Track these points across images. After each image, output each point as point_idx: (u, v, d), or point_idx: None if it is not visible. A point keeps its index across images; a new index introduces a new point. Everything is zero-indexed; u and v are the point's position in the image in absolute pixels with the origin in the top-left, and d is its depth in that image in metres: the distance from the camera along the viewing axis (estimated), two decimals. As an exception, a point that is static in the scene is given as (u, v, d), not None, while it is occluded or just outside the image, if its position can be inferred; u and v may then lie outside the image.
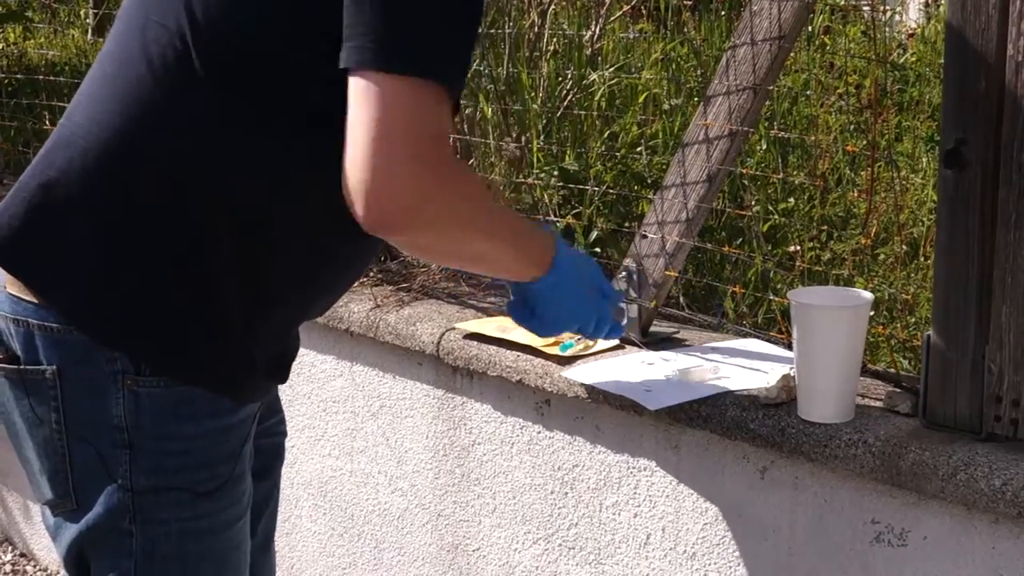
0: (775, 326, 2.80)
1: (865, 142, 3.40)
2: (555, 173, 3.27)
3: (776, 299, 2.75)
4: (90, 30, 5.60)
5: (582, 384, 2.53)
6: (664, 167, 3.24)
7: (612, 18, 3.88)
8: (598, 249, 3.16)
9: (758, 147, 3.52)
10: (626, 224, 3.20)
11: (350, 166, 1.51)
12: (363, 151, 1.49)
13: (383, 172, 1.49)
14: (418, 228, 1.56)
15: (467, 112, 3.51)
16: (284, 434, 2.10)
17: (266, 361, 1.79)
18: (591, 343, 2.68)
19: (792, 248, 3.17)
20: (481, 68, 3.52)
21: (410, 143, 1.50)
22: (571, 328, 1.97)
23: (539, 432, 2.74)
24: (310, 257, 1.76)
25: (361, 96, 1.50)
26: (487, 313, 2.98)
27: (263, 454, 1.97)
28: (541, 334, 1.95)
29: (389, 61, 1.51)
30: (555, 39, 3.61)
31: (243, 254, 1.68)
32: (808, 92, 3.63)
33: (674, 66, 3.75)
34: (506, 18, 3.50)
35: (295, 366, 3.13)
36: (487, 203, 1.71)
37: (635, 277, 2.72)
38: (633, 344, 2.69)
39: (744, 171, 3.09)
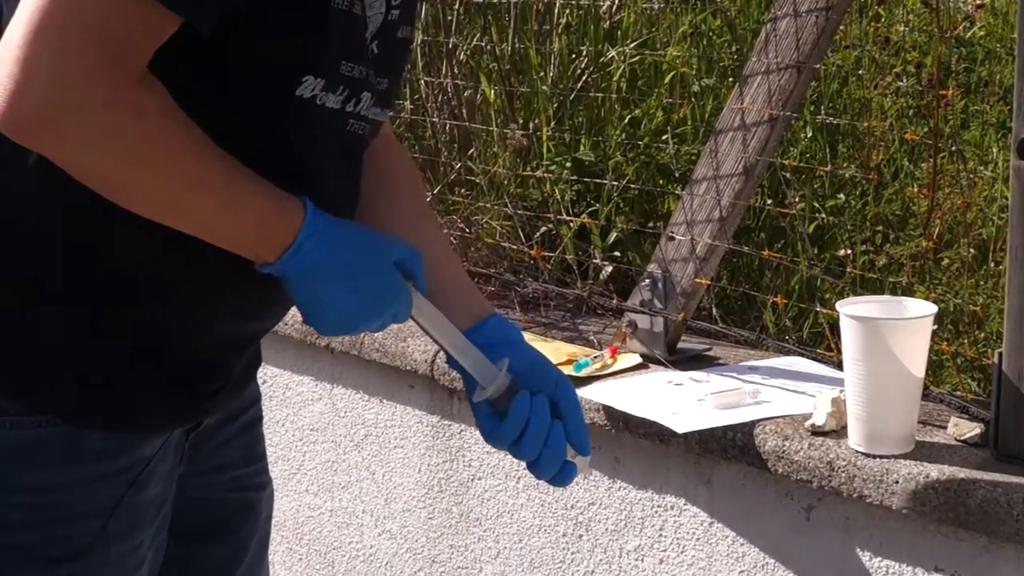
0: (822, 342, 2.79)
1: (926, 129, 3.36)
2: (568, 165, 3.27)
3: (824, 311, 2.75)
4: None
5: (599, 407, 2.53)
6: (694, 158, 3.22)
7: (633, -15, 3.88)
8: (617, 253, 3.16)
9: (802, 135, 3.50)
10: (650, 224, 3.19)
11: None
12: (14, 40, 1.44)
13: (28, 63, 1.42)
14: (59, 133, 1.46)
15: (467, 95, 3.51)
16: (262, 488, 1.93)
17: (173, 375, 1.66)
18: (609, 361, 2.69)
19: (842, 252, 3.15)
20: (483, 44, 3.52)
21: (66, 35, 1.43)
22: (356, 327, 1.67)
23: (550, 465, 2.75)
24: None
25: None
26: None
27: (223, 508, 1.86)
28: (321, 332, 1.70)
29: None
30: (568, 10, 3.59)
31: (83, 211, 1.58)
32: (860, 71, 3.59)
33: (705, 41, 3.72)
34: (511, -15, 3.51)
35: (266, 388, 3.19)
36: (174, 134, 1.52)
37: (660, 285, 2.73)
38: (658, 363, 2.69)
39: (786, 163, 3.05)
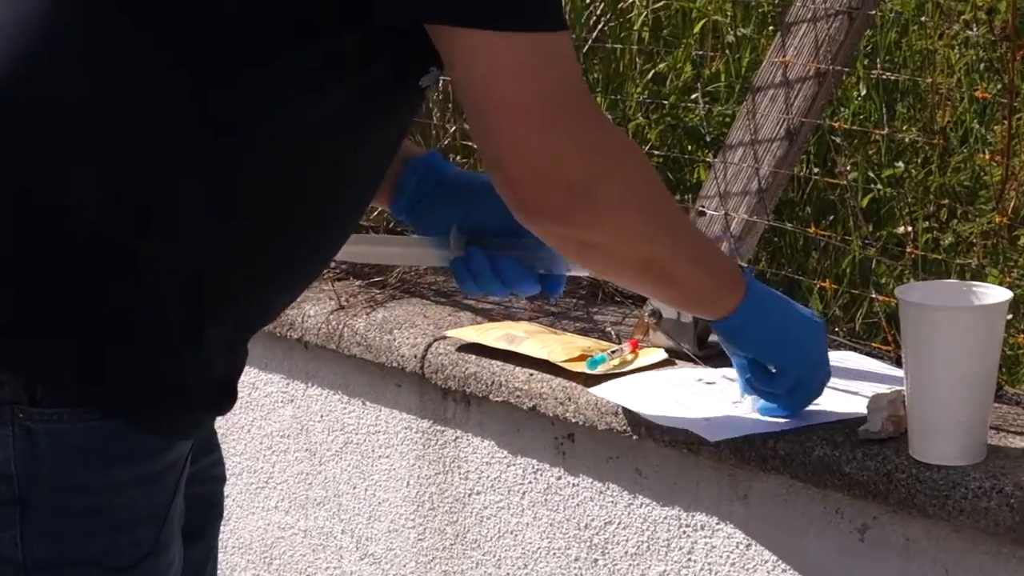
0: (878, 334, 2.79)
1: (1000, 86, 3.40)
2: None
3: (880, 298, 2.73)
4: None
5: (616, 409, 2.53)
6: (728, 120, 3.24)
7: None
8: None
9: (855, 93, 3.50)
10: (677, 196, 3.19)
11: (496, 145, 1.70)
12: (510, 120, 1.68)
13: (548, 143, 1.68)
14: (594, 213, 1.76)
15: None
16: (221, 479, 2.12)
17: (208, 386, 1.79)
18: (629, 356, 2.68)
19: (901, 229, 3.16)
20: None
21: (572, 100, 1.70)
22: (815, 381, 2.28)
23: (559, 478, 2.74)
24: (278, 241, 1.78)
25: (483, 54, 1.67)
26: (489, 316, 2.97)
27: (194, 507, 1.95)
28: (792, 411, 2.29)
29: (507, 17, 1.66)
30: (581, -54, 3.64)
31: (188, 238, 1.69)
32: (923, 18, 3.60)
33: (742, -18, 3.79)
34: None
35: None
36: (661, 187, 1.91)
37: None
38: (687, 358, 2.67)
39: (836, 125, 3.05)
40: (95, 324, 1.68)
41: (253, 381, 3.24)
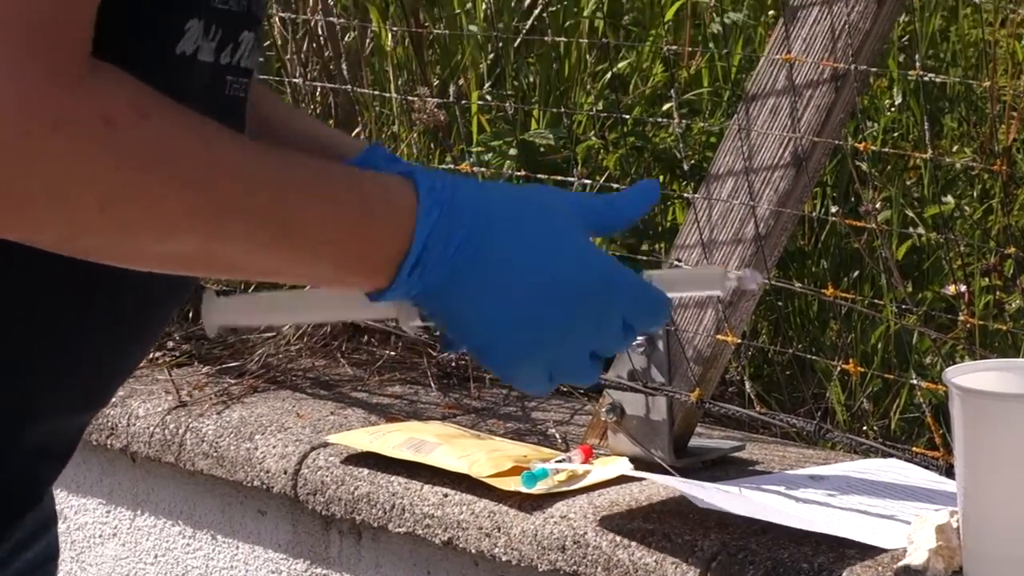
0: (922, 435, 2.83)
1: None
2: (512, 152, 3.30)
3: (924, 384, 2.74)
4: None
5: (563, 544, 2.55)
6: (713, 141, 3.26)
7: None
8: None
9: (886, 102, 3.53)
10: (644, 245, 3.22)
11: None
12: None
13: None
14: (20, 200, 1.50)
15: (348, 41, 3.52)
16: None
17: None
18: (580, 469, 2.70)
19: (952, 289, 3.17)
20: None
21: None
22: (543, 368, 1.68)
23: (486, 638, 2.76)
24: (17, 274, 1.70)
25: None
26: (387, 415, 2.99)
27: None
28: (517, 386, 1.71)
29: None
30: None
31: None
32: (977, 0, 3.59)
33: (730, -49, 3.78)
34: None
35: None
36: (171, 137, 1.56)
37: (661, 345, 2.75)
38: (659, 469, 2.70)
39: (862, 146, 2.96)
40: None
41: (61, 508, 3.05)
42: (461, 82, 3.41)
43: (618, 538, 2.56)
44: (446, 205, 1.60)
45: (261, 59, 3.37)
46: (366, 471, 2.80)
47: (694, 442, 2.78)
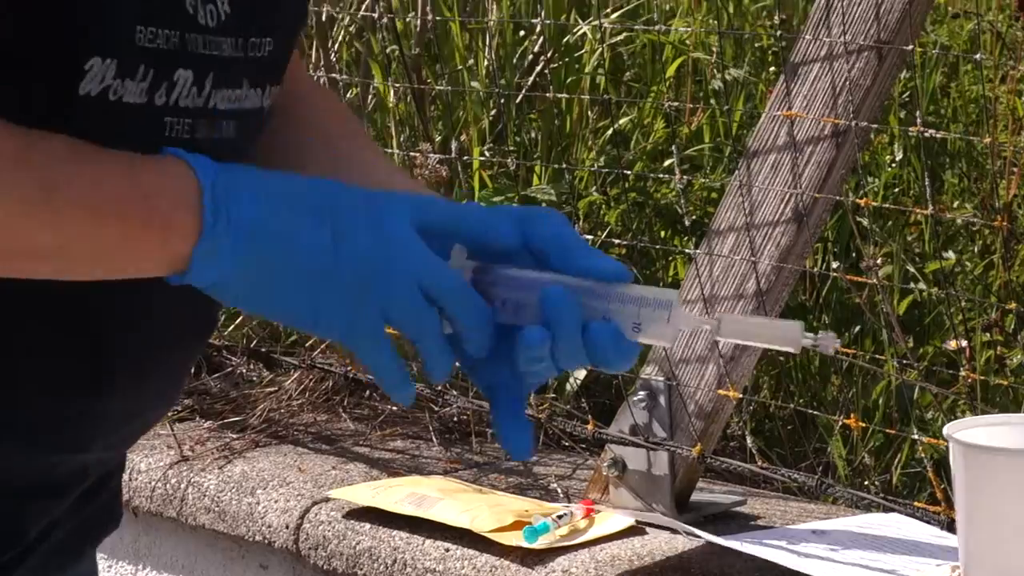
0: (924, 489, 2.82)
1: None
2: (514, 205, 3.27)
3: (926, 439, 2.74)
4: None
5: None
6: (714, 197, 3.26)
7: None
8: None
9: (887, 158, 3.52)
10: None
11: None
12: None
13: None
14: None
15: (351, 97, 3.51)
16: None
17: None
18: (581, 523, 2.70)
19: (953, 344, 3.17)
20: (375, 13, 3.52)
21: None
22: (347, 331, 1.59)
23: None
24: None
25: None
26: (389, 470, 2.99)
27: None
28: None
29: None
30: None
31: None
32: (978, 55, 3.44)
33: (731, 7, 3.76)
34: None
35: None
36: None
37: (663, 400, 2.75)
38: (662, 527, 2.71)
39: (863, 202, 2.99)
40: None
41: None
42: (463, 138, 3.41)
43: (620, 593, 2.55)
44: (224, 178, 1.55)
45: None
46: (368, 526, 2.80)
47: (696, 497, 2.78)
